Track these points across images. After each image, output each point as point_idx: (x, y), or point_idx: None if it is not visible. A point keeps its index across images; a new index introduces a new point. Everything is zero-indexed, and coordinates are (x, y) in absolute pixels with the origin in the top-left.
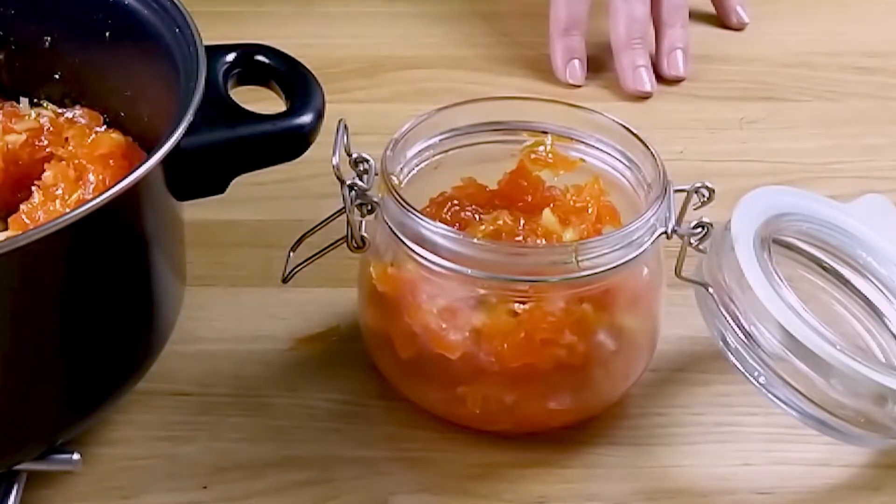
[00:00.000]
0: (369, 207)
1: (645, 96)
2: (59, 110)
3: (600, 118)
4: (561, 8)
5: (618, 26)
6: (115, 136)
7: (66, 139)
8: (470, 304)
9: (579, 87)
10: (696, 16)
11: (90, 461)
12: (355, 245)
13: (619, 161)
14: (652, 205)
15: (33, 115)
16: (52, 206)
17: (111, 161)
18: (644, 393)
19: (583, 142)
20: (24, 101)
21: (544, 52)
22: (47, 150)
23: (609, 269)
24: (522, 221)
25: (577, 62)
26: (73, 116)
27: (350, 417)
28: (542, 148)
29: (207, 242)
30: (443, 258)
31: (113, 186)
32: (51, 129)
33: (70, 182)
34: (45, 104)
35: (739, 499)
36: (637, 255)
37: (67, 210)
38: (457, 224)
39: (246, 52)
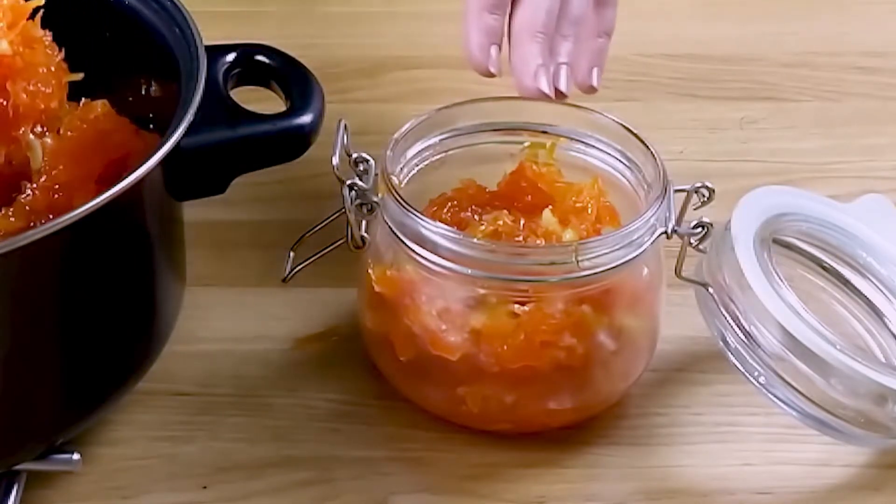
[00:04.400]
0: (369, 207)
1: (542, 98)
2: None
3: (600, 118)
4: None
5: (523, 12)
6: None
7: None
8: (469, 306)
9: (493, 76)
10: (694, 14)
11: (90, 461)
12: (355, 245)
13: (619, 161)
14: (652, 205)
15: None
16: None
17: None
18: (644, 393)
19: (583, 142)
20: None
21: None
22: None
23: (609, 269)
24: (522, 222)
25: (494, 49)
26: None
27: (350, 417)
28: (542, 153)
29: (207, 242)
30: (443, 258)
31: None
32: None
33: None
34: None
35: (739, 499)
36: (637, 255)
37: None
38: (457, 224)
39: (246, 52)
